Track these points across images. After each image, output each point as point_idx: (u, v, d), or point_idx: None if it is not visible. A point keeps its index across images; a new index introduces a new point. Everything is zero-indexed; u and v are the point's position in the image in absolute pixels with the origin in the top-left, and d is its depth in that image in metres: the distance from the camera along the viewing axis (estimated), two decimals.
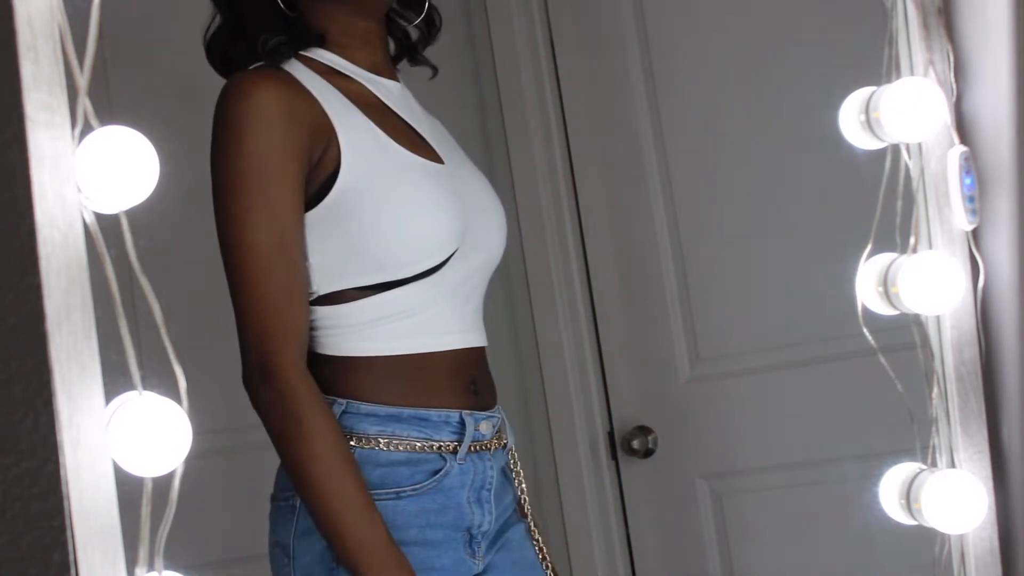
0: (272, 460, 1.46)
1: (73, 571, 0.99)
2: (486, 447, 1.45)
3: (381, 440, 1.38)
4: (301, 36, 1.44)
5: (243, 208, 1.32)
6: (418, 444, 1.39)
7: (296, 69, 1.42)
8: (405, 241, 1.37)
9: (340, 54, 1.46)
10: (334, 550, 1.32)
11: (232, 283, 1.35)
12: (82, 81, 1.03)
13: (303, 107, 1.36)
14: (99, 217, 1.05)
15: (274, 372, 1.33)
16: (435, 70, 1.60)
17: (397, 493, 1.38)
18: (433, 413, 1.40)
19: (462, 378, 1.44)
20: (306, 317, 1.36)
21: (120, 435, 1.05)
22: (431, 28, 1.57)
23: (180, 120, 1.80)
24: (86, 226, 1.04)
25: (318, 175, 1.37)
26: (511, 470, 1.51)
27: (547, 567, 1.51)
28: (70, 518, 0.99)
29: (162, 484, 1.07)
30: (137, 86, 1.97)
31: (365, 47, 1.47)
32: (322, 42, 1.45)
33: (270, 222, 1.32)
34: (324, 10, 1.45)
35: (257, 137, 1.33)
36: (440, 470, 1.40)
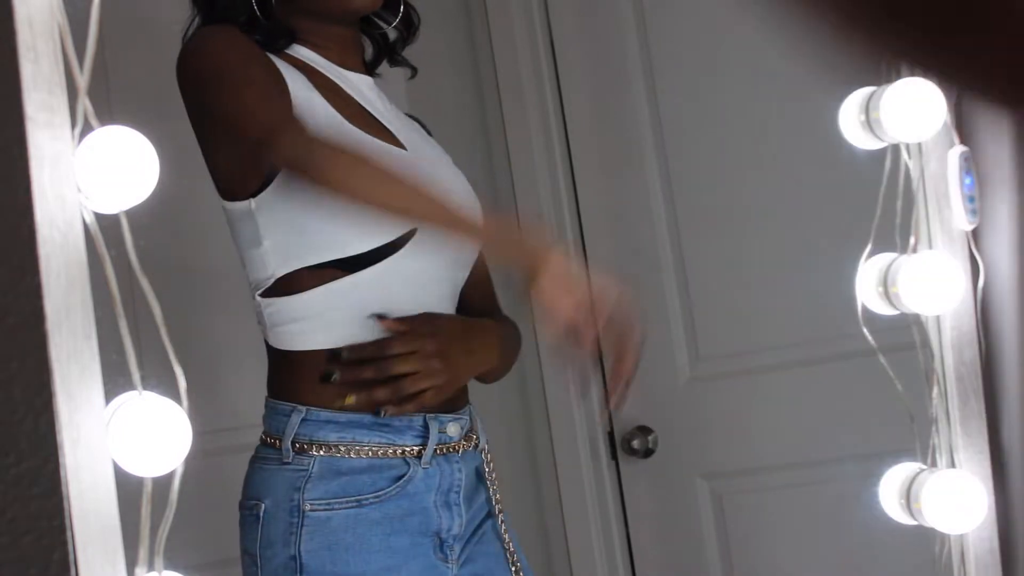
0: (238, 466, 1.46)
1: (73, 571, 0.99)
2: (453, 449, 1.43)
3: (342, 447, 1.37)
4: (275, 36, 1.45)
5: (225, 66, 1.36)
6: (380, 450, 1.38)
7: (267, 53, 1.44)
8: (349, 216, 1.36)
9: (312, 50, 1.47)
10: (412, 218, 1.32)
11: (211, 109, 1.37)
12: (82, 81, 1.03)
13: (267, 59, 1.40)
14: (99, 217, 1.05)
15: (277, 134, 1.30)
16: (414, 70, 1.60)
17: (359, 501, 1.37)
18: (395, 418, 1.39)
19: None
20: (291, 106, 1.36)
21: (120, 435, 1.05)
22: (409, 28, 1.57)
23: (180, 120, 1.80)
24: (86, 226, 1.04)
25: None
26: (485, 470, 1.49)
27: (511, 563, 1.49)
28: (70, 518, 0.99)
29: (162, 484, 1.07)
30: (137, 86, 1.97)
31: (337, 48, 1.48)
32: (294, 39, 1.47)
33: (257, 65, 1.36)
34: (298, 16, 1.46)
35: (229, 44, 1.37)
36: (404, 476, 1.39)
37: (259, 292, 1.40)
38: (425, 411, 1.41)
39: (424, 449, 1.40)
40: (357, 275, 1.38)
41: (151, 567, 1.07)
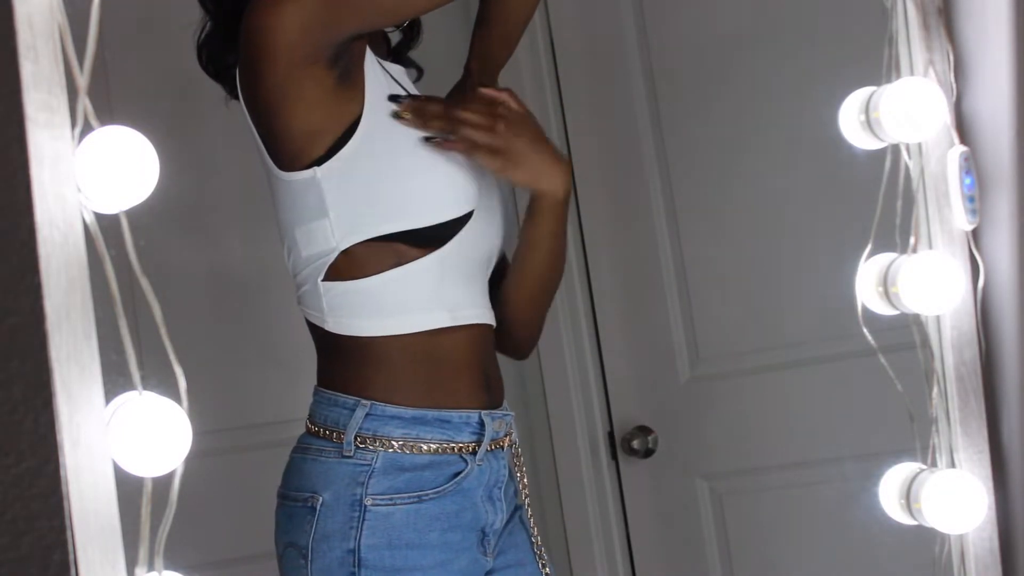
0: (273, 459, 1.47)
1: (73, 571, 0.99)
2: (499, 445, 1.45)
3: (405, 444, 1.38)
4: None
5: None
6: (440, 447, 1.39)
7: None
8: (426, 183, 1.37)
9: None
10: None
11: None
12: (82, 81, 1.03)
13: None
14: (99, 217, 1.05)
15: None
16: (420, 71, 1.61)
17: (419, 497, 1.38)
18: (455, 414, 1.40)
19: (476, 372, 1.44)
20: None
21: (120, 435, 1.05)
22: (413, 30, 1.58)
23: (180, 120, 1.81)
24: (86, 226, 1.04)
25: (340, 114, 1.37)
26: (515, 464, 1.51)
27: (539, 556, 1.50)
28: (70, 518, 0.99)
29: (162, 484, 1.07)
30: (137, 86, 1.97)
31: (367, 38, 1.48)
32: None
33: None
34: None
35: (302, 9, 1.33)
36: (461, 472, 1.40)
37: (321, 277, 1.39)
38: (479, 407, 1.42)
39: (479, 446, 1.41)
40: (427, 258, 1.38)
41: (151, 567, 1.07)
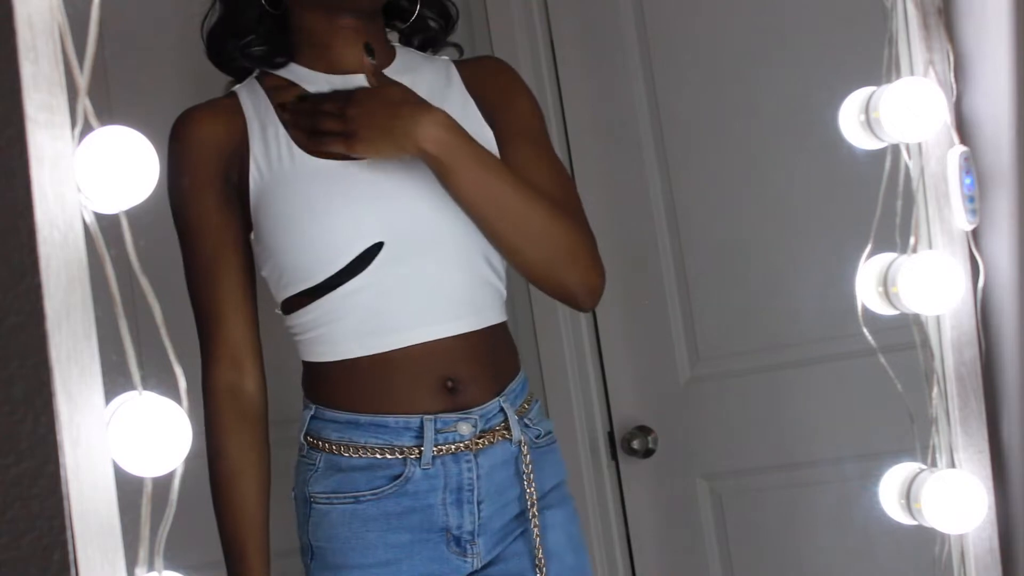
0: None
1: (73, 571, 0.99)
2: (467, 447, 1.43)
3: (341, 446, 1.43)
4: (274, 47, 1.49)
5: (181, 238, 1.47)
6: (378, 450, 1.42)
7: (251, 89, 1.47)
8: (306, 246, 1.40)
9: (312, 63, 1.48)
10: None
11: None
12: (82, 81, 1.03)
13: (225, 138, 1.44)
14: (99, 217, 1.05)
15: (203, 382, 1.46)
16: (460, 50, 1.61)
17: (356, 497, 1.42)
18: (391, 419, 1.42)
19: (430, 377, 1.42)
20: (240, 330, 1.45)
21: (120, 435, 1.05)
22: (446, 18, 1.58)
23: None
24: (86, 226, 1.04)
25: (242, 197, 1.45)
26: (524, 467, 1.48)
27: (539, 570, 1.48)
28: (70, 518, 0.99)
29: (162, 484, 1.07)
30: (137, 86, 1.97)
31: (349, 46, 1.47)
32: (292, 57, 1.49)
33: (199, 251, 1.45)
34: (307, 11, 1.46)
35: (183, 176, 1.44)
36: (400, 475, 1.41)
37: (277, 308, 1.49)
38: (423, 412, 1.42)
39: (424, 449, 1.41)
40: (338, 291, 1.41)
41: (151, 567, 1.07)
